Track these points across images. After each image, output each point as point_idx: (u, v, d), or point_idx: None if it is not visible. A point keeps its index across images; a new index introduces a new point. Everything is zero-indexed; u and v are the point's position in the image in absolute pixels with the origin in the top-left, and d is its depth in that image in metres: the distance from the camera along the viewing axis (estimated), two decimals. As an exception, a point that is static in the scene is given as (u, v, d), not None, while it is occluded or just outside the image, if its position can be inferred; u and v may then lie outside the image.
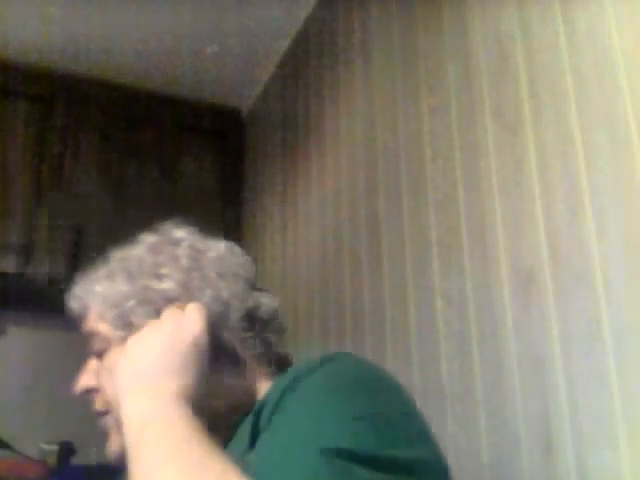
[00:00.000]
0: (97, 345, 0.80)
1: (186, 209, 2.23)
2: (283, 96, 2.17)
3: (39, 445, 1.95)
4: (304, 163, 1.91)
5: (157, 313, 0.76)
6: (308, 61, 1.98)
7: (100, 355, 0.80)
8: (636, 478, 0.79)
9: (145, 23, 2.05)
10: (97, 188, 2.12)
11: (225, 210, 2.30)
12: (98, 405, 0.80)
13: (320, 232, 1.73)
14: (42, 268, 1.95)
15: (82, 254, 1.97)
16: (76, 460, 1.95)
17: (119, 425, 0.70)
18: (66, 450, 1.93)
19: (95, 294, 0.80)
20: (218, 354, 0.75)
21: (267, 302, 0.82)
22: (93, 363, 0.82)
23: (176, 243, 0.84)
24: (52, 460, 1.91)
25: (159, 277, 0.79)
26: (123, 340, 0.76)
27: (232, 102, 2.43)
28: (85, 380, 0.81)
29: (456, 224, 1.19)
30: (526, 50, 1.07)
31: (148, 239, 0.85)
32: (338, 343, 1.55)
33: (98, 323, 0.80)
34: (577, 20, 0.97)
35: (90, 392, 0.81)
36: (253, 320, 0.80)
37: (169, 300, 0.77)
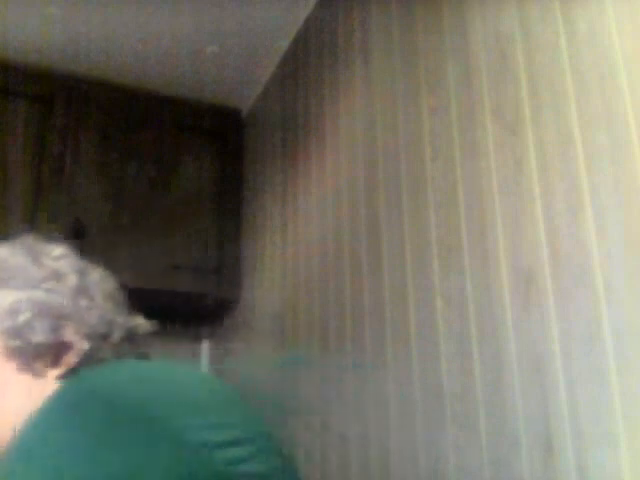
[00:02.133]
0: None
1: (186, 209, 2.23)
2: (283, 96, 2.17)
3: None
4: (304, 163, 1.91)
5: (53, 330, 0.75)
6: (308, 61, 1.98)
7: None
8: (636, 478, 0.79)
9: (145, 23, 2.05)
10: (97, 188, 2.12)
11: (225, 210, 2.30)
12: None
13: (320, 232, 1.73)
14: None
15: (82, 254, 1.97)
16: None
17: None
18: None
19: None
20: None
21: (143, 323, 0.83)
22: None
23: (56, 259, 0.82)
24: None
25: (49, 291, 0.78)
26: (13, 352, 0.75)
27: (232, 102, 2.43)
28: None
29: (456, 224, 1.19)
30: (526, 50, 1.07)
31: (20, 248, 0.82)
32: (338, 343, 1.55)
33: None
34: (577, 20, 0.97)
35: None
36: (132, 339, 0.81)
37: (62, 317, 0.76)
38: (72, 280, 0.80)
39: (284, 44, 2.14)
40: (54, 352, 0.77)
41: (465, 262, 1.15)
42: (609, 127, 0.89)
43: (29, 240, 0.84)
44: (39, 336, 0.76)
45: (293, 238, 1.91)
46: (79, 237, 2.00)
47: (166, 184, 2.23)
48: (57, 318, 0.76)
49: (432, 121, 1.30)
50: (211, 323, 2.42)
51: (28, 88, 2.15)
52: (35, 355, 0.77)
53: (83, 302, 0.79)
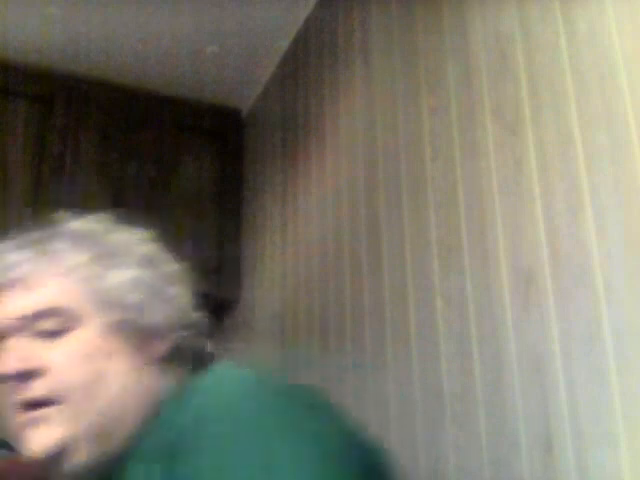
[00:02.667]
0: (51, 323, 0.73)
1: (186, 209, 2.23)
2: (283, 96, 2.17)
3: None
4: (304, 163, 1.91)
5: (159, 314, 0.76)
6: (308, 61, 1.98)
7: (53, 334, 0.73)
8: (636, 478, 0.79)
9: (145, 23, 2.04)
10: (97, 188, 2.12)
11: (225, 210, 2.30)
12: (39, 391, 0.71)
13: (320, 232, 1.73)
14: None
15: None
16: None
17: (73, 414, 0.69)
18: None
19: (74, 269, 0.75)
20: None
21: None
22: (24, 344, 0.73)
23: (144, 242, 0.82)
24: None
25: (154, 274, 0.78)
26: (120, 330, 0.74)
27: (232, 102, 2.43)
28: (21, 362, 0.71)
29: (456, 224, 1.19)
30: (526, 50, 1.07)
31: (112, 225, 0.82)
32: (338, 343, 1.55)
33: (63, 298, 0.74)
34: (577, 20, 0.97)
35: (25, 376, 0.71)
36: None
37: (164, 302, 0.77)
38: (165, 266, 0.80)
39: (284, 44, 2.14)
40: (154, 336, 0.77)
41: (465, 262, 1.15)
42: (609, 127, 0.89)
43: (110, 220, 0.84)
44: (148, 318, 0.76)
45: (293, 238, 1.91)
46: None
47: (166, 184, 2.22)
48: (162, 302, 0.77)
49: (432, 121, 1.30)
50: (211, 323, 2.42)
51: (28, 88, 2.15)
52: (141, 336, 0.77)
53: (175, 289, 0.79)
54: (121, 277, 0.76)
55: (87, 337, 0.74)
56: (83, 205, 2.06)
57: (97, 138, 2.18)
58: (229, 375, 0.72)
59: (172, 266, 0.81)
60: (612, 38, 0.90)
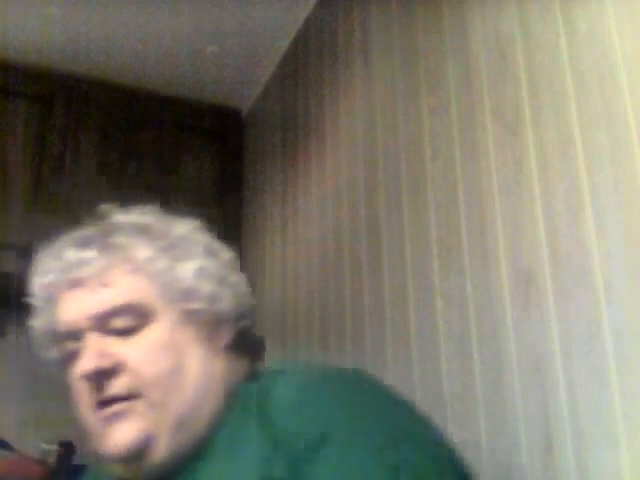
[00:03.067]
0: (125, 320, 0.74)
1: (185, 209, 2.23)
2: (283, 96, 2.17)
3: (39, 445, 1.95)
4: (304, 163, 1.91)
5: (230, 301, 0.77)
6: (308, 61, 1.98)
7: (128, 331, 0.74)
8: (636, 478, 0.79)
9: (145, 23, 2.04)
10: (97, 188, 2.12)
11: (225, 210, 2.30)
12: (119, 388, 0.72)
13: (320, 232, 1.73)
14: (42, 268, 1.95)
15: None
16: (76, 460, 1.94)
17: (154, 407, 0.70)
18: (66, 450, 1.93)
19: (151, 264, 0.75)
20: None
21: None
22: (100, 342, 0.73)
23: (198, 231, 0.84)
24: (52, 460, 1.91)
25: (218, 263, 0.79)
26: (195, 319, 0.75)
27: (232, 102, 2.43)
28: (99, 361, 0.71)
29: (456, 224, 1.19)
30: (526, 50, 1.07)
31: (183, 222, 0.83)
32: (338, 343, 1.55)
33: (136, 295, 0.74)
34: (577, 20, 0.97)
35: (105, 374, 0.72)
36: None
37: (231, 290, 0.78)
38: (223, 254, 0.81)
39: (284, 44, 2.14)
40: (222, 324, 0.79)
41: (465, 262, 1.15)
42: (609, 127, 0.89)
43: (157, 211, 0.85)
44: (218, 306, 0.77)
45: (293, 238, 1.91)
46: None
47: (166, 184, 2.22)
48: (228, 290, 0.78)
49: (432, 121, 1.30)
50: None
51: (28, 88, 2.15)
52: (212, 325, 0.78)
53: (235, 276, 0.80)
54: (190, 268, 0.76)
55: (162, 330, 0.74)
56: (83, 205, 2.07)
57: (97, 138, 2.18)
58: (326, 375, 0.76)
59: (229, 254, 0.82)
60: (612, 38, 0.90)
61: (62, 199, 2.06)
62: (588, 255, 0.89)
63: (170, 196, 2.21)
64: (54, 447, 1.94)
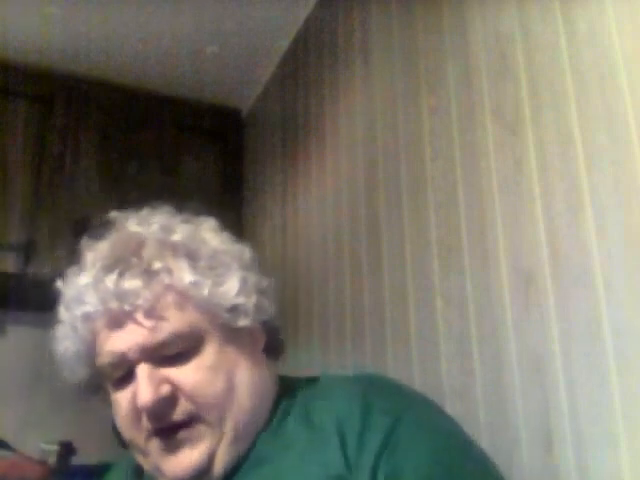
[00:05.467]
0: (176, 347, 0.73)
1: (185, 209, 2.23)
2: (283, 96, 2.17)
3: (39, 445, 1.95)
4: (304, 163, 1.91)
5: (271, 311, 0.79)
6: (308, 61, 1.98)
7: (180, 357, 0.73)
8: (636, 478, 0.79)
9: (145, 23, 2.04)
10: (97, 188, 2.12)
11: (225, 210, 2.30)
12: (178, 415, 0.72)
13: (320, 232, 1.73)
14: (42, 268, 1.95)
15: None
16: (76, 460, 1.95)
17: (214, 427, 0.71)
18: (66, 450, 1.93)
19: (201, 287, 0.74)
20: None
21: None
22: (154, 372, 0.72)
23: (228, 242, 0.84)
24: (52, 460, 1.91)
25: (255, 274, 0.80)
26: (241, 331, 0.76)
27: (232, 102, 2.43)
28: (159, 390, 0.71)
29: (456, 224, 1.19)
30: (526, 50, 1.07)
31: (216, 232, 0.83)
32: (338, 343, 1.55)
33: (185, 322, 0.73)
34: (577, 20, 0.97)
35: (164, 403, 0.71)
36: None
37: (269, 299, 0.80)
38: (250, 258, 0.82)
39: (284, 44, 2.14)
40: (260, 330, 0.81)
41: (465, 262, 1.15)
42: (609, 127, 0.89)
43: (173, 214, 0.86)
44: (263, 315, 0.78)
45: (293, 238, 1.91)
46: (79, 237, 2.00)
47: (166, 184, 2.22)
48: (266, 297, 0.79)
49: (432, 121, 1.30)
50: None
51: (28, 88, 2.15)
52: (253, 334, 0.80)
53: (266, 281, 0.81)
54: (232, 286, 0.76)
55: (212, 351, 0.74)
56: (83, 205, 2.07)
57: (97, 138, 2.18)
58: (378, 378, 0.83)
59: (250, 253, 0.83)
60: (612, 38, 0.90)
61: (62, 199, 2.06)
62: (588, 255, 0.89)
63: (170, 196, 2.21)
64: (54, 447, 1.94)
